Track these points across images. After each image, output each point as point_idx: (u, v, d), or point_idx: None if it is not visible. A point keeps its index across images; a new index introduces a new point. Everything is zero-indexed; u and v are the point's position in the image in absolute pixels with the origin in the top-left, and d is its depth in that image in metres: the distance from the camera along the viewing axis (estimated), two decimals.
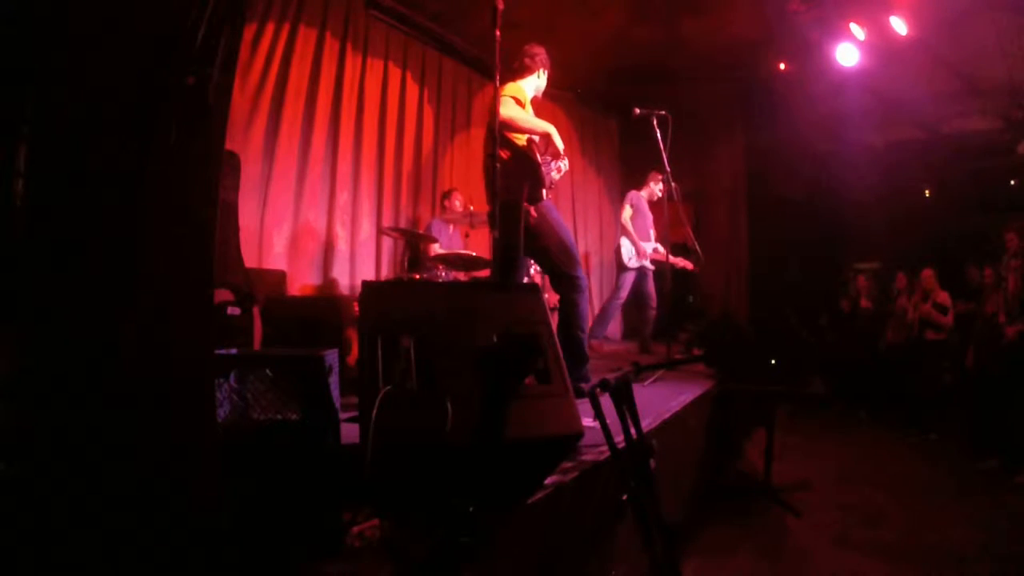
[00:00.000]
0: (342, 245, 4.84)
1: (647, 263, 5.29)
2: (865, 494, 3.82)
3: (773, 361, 3.65)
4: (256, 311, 3.10)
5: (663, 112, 4.18)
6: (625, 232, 5.26)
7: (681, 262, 5.40)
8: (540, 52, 3.14)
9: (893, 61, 5.62)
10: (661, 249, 5.28)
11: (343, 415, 1.72)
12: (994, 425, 4.61)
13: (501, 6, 2.41)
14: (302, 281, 4.49)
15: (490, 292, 1.63)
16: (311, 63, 4.60)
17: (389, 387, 1.26)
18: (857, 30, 5.42)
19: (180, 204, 1.08)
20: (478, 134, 5.92)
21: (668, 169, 4.31)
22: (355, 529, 1.25)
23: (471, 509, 1.27)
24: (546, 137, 2.91)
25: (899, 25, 5.21)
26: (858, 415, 6.43)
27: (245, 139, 4.10)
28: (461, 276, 4.36)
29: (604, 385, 1.52)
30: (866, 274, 7.23)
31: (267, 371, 1.55)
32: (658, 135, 4.18)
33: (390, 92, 5.32)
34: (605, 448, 1.61)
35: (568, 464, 1.77)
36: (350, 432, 1.55)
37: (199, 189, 1.12)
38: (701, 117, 6.65)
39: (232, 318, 2.89)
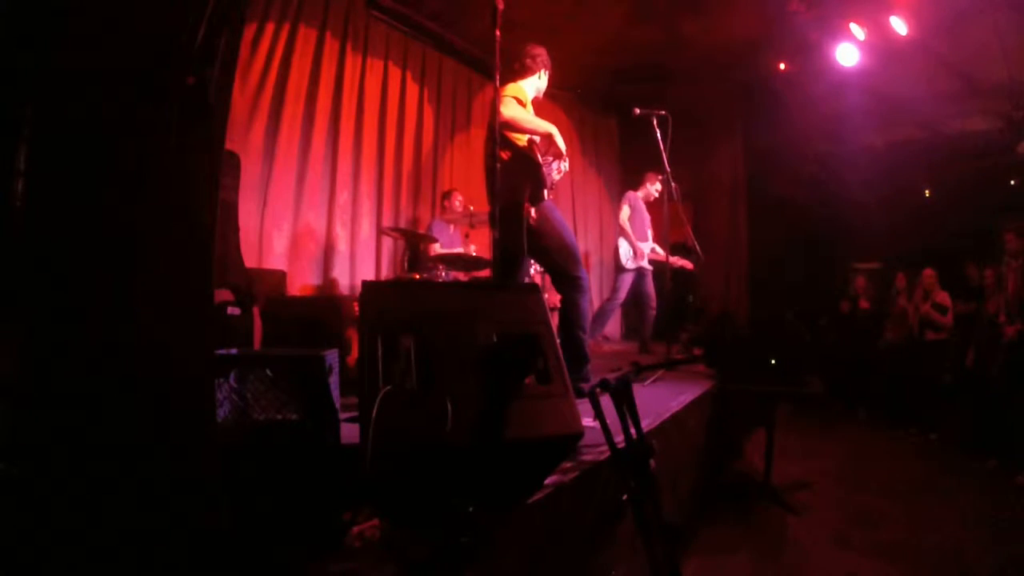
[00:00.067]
0: (342, 245, 4.84)
1: (645, 263, 5.29)
2: (865, 494, 3.82)
3: (773, 361, 3.65)
4: (256, 311, 3.11)
5: (663, 112, 4.18)
6: (623, 233, 5.27)
7: (679, 261, 5.40)
8: (541, 53, 3.14)
9: (893, 61, 5.62)
10: (659, 250, 5.29)
11: (343, 415, 1.72)
12: (994, 425, 4.61)
13: (501, 6, 2.41)
14: (302, 281, 4.50)
15: (490, 292, 1.63)
16: (311, 63, 4.60)
17: (389, 387, 1.26)
18: (857, 30, 5.42)
19: (180, 204, 1.08)
20: (478, 134, 5.92)
21: (668, 169, 4.31)
22: (355, 529, 1.25)
23: (471, 509, 1.27)
24: (548, 138, 2.90)
25: (899, 25, 5.21)
26: (858, 415, 6.43)
27: (245, 139, 4.10)
28: (461, 276, 4.36)
29: (604, 385, 1.52)
30: (866, 274, 7.23)
31: (267, 371, 1.55)
32: (658, 135, 4.18)
33: (390, 92, 5.33)
34: (605, 448, 1.61)
35: (568, 464, 1.77)
36: (350, 432, 1.55)
37: (199, 189, 1.12)
38: (701, 117, 6.66)
39: (232, 318, 2.89)
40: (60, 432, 0.90)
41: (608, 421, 1.50)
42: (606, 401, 1.49)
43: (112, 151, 0.98)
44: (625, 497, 1.49)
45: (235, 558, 1.09)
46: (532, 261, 3.66)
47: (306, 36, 4.56)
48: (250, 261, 3.83)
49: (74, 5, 0.96)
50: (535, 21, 4.84)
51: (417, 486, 1.32)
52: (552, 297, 4.14)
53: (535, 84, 3.14)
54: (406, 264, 4.52)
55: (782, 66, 6.28)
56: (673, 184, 4.49)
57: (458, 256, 4.28)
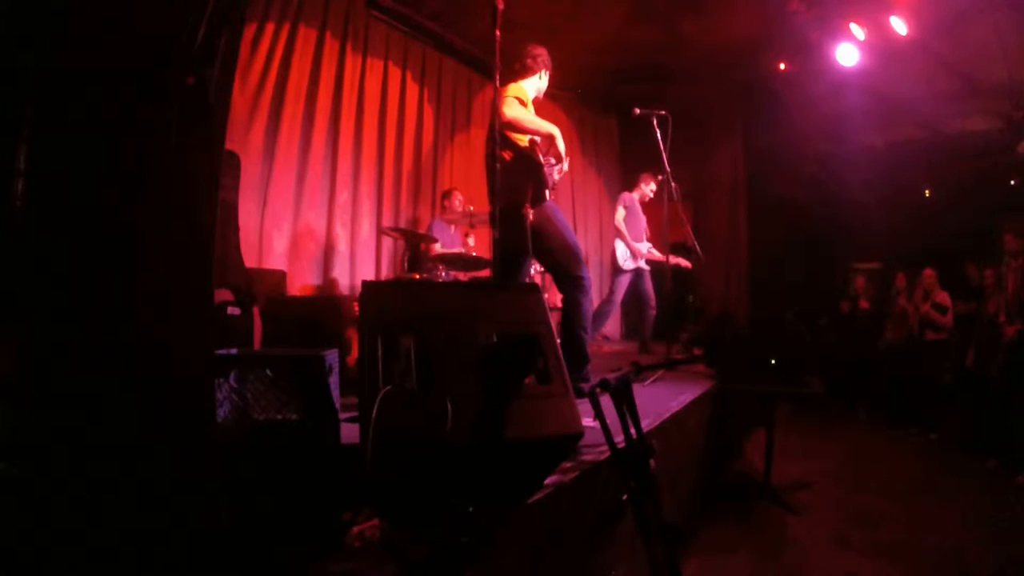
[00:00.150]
0: (342, 245, 4.84)
1: (642, 264, 5.29)
2: (865, 494, 3.82)
3: (773, 361, 3.65)
4: (256, 311, 3.10)
5: (663, 112, 4.18)
6: (619, 234, 5.27)
7: (675, 259, 5.40)
8: (542, 53, 3.13)
9: (893, 61, 5.62)
10: (655, 251, 5.30)
11: (343, 415, 1.72)
12: (994, 425, 4.61)
13: (501, 6, 2.41)
14: (302, 281, 4.50)
15: (490, 292, 1.62)
16: (311, 63, 4.60)
17: (389, 387, 1.26)
18: (857, 30, 5.42)
19: (180, 204, 1.08)
20: (478, 134, 5.93)
21: (668, 169, 4.31)
22: (355, 529, 1.25)
23: (471, 509, 1.27)
24: (549, 138, 2.90)
25: (899, 25, 5.22)
26: (858, 415, 6.43)
27: (245, 139, 4.10)
28: (461, 276, 4.36)
29: (604, 385, 1.52)
30: (866, 274, 7.23)
31: (267, 371, 1.55)
32: (658, 135, 4.18)
33: (390, 92, 5.33)
34: (605, 448, 1.61)
35: (568, 464, 1.77)
36: (350, 432, 1.55)
37: (199, 189, 1.12)
38: (701, 117, 6.65)
39: (232, 318, 2.89)
40: (60, 432, 0.90)
41: (608, 421, 1.50)
42: (606, 401, 1.49)
43: (112, 151, 0.98)
44: (625, 497, 1.49)
45: (235, 558, 1.09)
46: (533, 261, 3.66)
47: (306, 36, 4.56)
48: (250, 261, 3.83)
49: (74, 5, 0.96)
50: (535, 21, 4.84)
51: (417, 486, 1.32)
52: (552, 297, 4.15)
53: (536, 84, 3.14)
54: (406, 264, 4.53)
55: (782, 66, 6.28)
56: (673, 184, 4.49)
57: (458, 256, 4.27)
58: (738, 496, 3.63)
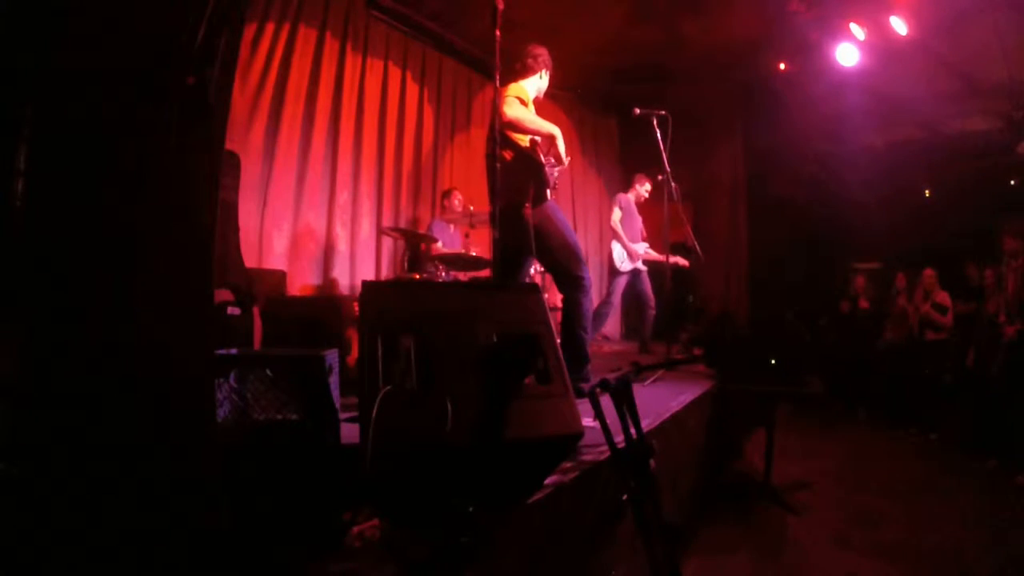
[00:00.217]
0: (342, 245, 4.84)
1: (640, 264, 5.29)
2: (865, 494, 3.82)
3: (773, 361, 3.65)
4: (256, 311, 3.10)
5: (663, 112, 4.18)
6: (616, 235, 5.27)
7: (674, 258, 5.39)
8: (542, 53, 3.13)
9: (893, 61, 5.62)
10: (652, 251, 5.30)
11: (343, 415, 1.72)
12: (994, 425, 4.61)
13: (501, 6, 2.41)
14: (302, 281, 4.50)
15: (490, 292, 1.62)
16: (311, 63, 4.60)
17: (389, 387, 1.26)
18: (857, 30, 5.42)
19: (180, 204, 1.08)
20: (478, 134, 5.93)
21: (668, 169, 4.31)
22: (355, 529, 1.25)
23: (471, 509, 1.27)
24: (550, 139, 2.90)
25: (899, 25, 5.21)
26: (858, 415, 6.43)
27: (245, 139, 4.10)
28: (461, 276, 4.36)
29: (604, 385, 1.52)
30: (866, 274, 7.23)
31: (267, 371, 1.55)
32: (658, 135, 4.18)
33: (390, 92, 5.33)
34: (605, 448, 1.61)
35: (568, 464, 1.77)
36: (350, 432, 1.55)
37: (199, 189, 1.12)
38: (701, 117, 6.65)
39: (232, 318, 2.89)
40: (60, 432, 0.90)
41: (608, 421, 1.50)
42: (606, 401, 1.49)
43: (112, 151, 0.98)
44: (625, 497, 1.49)
45: (235, 558, 1.09)
46: (534, 261, 3.66)
47: (306, 36, 4.56)
48: (250, 261, 3.83)
49: (74, 5, 0.96)
50: (535, 21, 4.83)
51: (417, 486, 1.32)
52: (552, 297, 4.15)
53: (536, 84, 3.14)
54: (406, 264, 4.53)
55: (782, 66, 6.28)
56: (673, 184, 4.49)
57: (458, 256, 4.27)
58: (738, 496, 3.63)
